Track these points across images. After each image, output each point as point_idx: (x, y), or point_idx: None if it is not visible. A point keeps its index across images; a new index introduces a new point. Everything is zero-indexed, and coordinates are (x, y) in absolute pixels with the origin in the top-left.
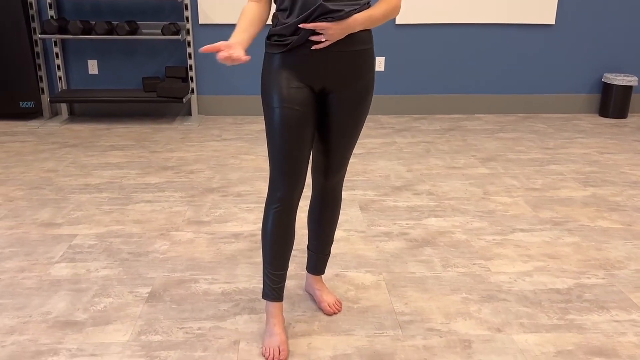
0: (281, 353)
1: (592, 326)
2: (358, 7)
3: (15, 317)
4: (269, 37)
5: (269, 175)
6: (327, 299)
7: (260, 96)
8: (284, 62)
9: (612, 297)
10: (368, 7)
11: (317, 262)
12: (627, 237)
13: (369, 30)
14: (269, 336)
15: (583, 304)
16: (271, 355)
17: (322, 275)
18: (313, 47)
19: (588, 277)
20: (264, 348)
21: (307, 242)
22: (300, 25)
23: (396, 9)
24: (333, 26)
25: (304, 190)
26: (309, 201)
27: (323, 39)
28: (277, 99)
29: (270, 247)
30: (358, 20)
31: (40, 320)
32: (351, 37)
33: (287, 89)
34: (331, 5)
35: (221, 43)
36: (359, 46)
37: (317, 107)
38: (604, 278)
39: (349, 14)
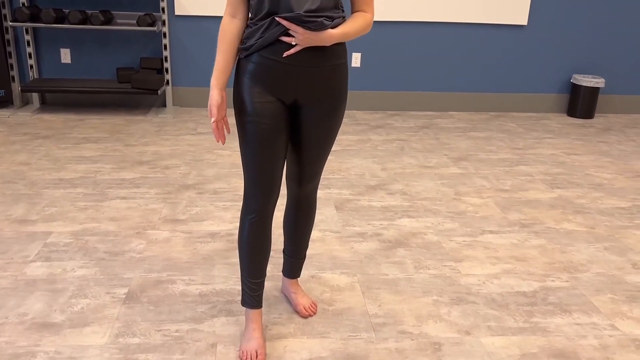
0: (258, 357)
1: (555, 329)
2: (333, 20)
3: None
4: (241, 42)
5: (243, 185)
6: (303, 302)
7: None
8: (256, 74)
9: (574, 300)
10: (343, 21)
11: (293, 266)
12: (590, 240)
13: (343, 44)
14: (246, 340)
15: (547, 307)
16: (248, 359)
17: (298, 277)
18: (285, 54)
19: (552, 280)
20: (241, 351)
21: (283, 245)
22: (277, 18)
23: (369, 26)
24: (305, 32)
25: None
26: (284, 206)
27: (294, 42)
28: (248, 112)
29: (248, 256)
30: (334, 37)
31: (16, 322)
32: (326, 52)
33: (259, 103)
34: (307, 18)
35: (215, 120)
36: (333, 61)
37: (290, 119)
38: (567, 281)
39: (324, 25)
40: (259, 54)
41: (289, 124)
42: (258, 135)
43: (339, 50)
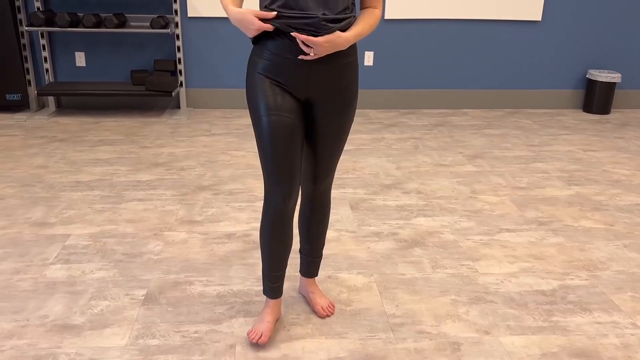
0: (261, 338)
1: (576, 328)
2: (341, 22)
3: (13, 321)
4: (257, 42)
5: (263, 182)
6: (321, 302)
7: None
8: (268, 70)
9: (594, 299)
10: (353, 20)
11: (310, 265)
12: (609, 237)
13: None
14: (259, 321)
15: (567, 306)
16: (252, 336)
17: (316, 277)
18: (300, 57)
19: (572, 279)
20: (251, 329)
21: (299, 245)
22: (293, 34)
23: (379, 21)
24: (324, 44)
25: None
26: (299, 206)
27: (312, 54)
28: (264, 107)
29: (269, 252)
30: (349, 40)
31: (38, 324)
32: (337, 50)
33: (274, 97)
34: (327, 22)
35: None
36: (343, 59)
37: (303, 115)
38: (587, 279)
39: (333, 29)
40: (270, 50)
41: (304, 120)
42: (276, 128)
43: (349, 48)
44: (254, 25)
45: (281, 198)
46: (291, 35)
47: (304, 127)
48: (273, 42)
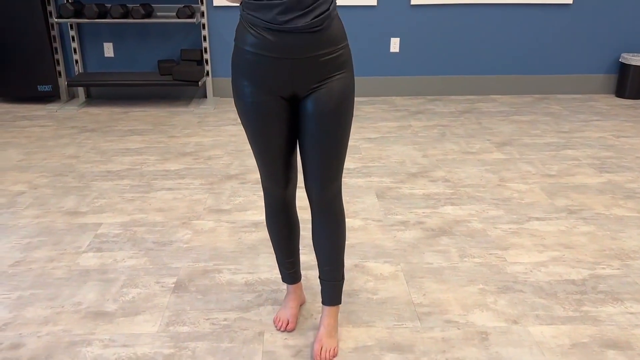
0: (289, 324)
1: (607, 318)
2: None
3: (49, 308)
4: (237, 39)
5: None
6: (325, 342)
7: None
8: (249, 71)
9: (626, 289)
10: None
11: (328, 290)
12: None
13: (340, 28)
14: (283, 308)
15: (598, 296)
16: (279, 325)
17: (338, 305)
18: None
19: (603, 268)
20: (276, 317)
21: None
22: None
23: None
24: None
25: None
26: (311, 224)
27: None
28: (244, 110)
29: (275, 240)
30: None
31: (72, 311)
32: (319, 40)
33: (253, 104)
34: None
35: None
36: (327, 48)
37: (291, 112)
38: (618, 269)
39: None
40: (249, 50)
41: (290, 117)
42: (256, 130)
43: (334, 36)
44: None
45: (273, 187)
46: (271, 33)
47: (290, 124)
48: (252, 39)
